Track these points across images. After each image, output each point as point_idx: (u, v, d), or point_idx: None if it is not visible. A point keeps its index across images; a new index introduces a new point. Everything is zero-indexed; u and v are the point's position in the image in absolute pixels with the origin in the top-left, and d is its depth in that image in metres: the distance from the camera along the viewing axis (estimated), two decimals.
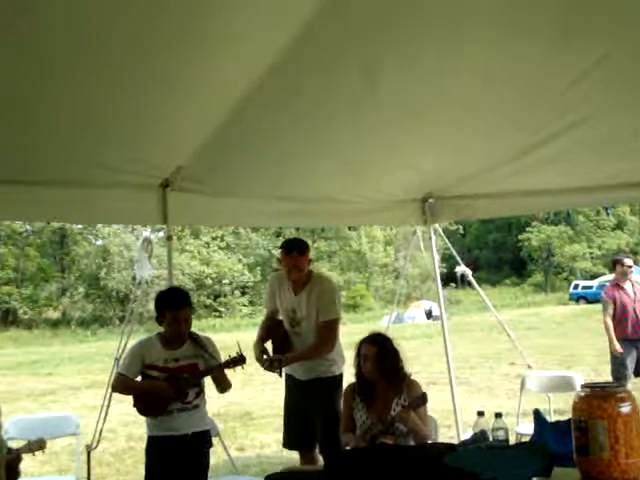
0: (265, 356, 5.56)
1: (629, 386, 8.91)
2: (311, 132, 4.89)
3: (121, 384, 4.99)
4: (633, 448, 3.51)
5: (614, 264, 10.04)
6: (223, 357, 5.02)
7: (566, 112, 4.59)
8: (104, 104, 4.08)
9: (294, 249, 5.61)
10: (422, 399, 4.72)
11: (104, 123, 4.38)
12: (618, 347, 9.22)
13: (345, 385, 5.37)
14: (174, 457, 4.88)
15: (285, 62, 3.74)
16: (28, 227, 40.84)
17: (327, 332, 5.55)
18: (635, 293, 9.55)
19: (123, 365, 5.04)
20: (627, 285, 9.59)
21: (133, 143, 4.74)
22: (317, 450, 5.69)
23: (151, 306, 5.03)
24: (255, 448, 9.35)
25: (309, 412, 5.65)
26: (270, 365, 5.54)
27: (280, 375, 5.70)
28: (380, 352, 4.91)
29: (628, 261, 9.80)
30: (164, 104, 4.21)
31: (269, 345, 5.77)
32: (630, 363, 9.29)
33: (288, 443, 5.91)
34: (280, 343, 5.71)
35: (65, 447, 8.65)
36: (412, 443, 4.69)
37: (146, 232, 6.22)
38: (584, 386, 3.81)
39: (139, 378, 4.98)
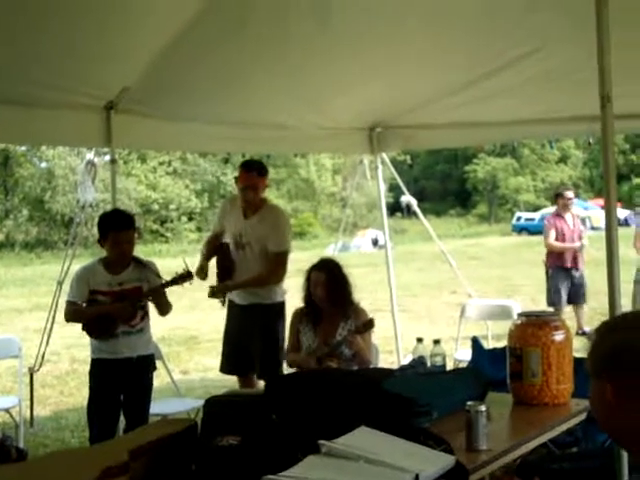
0: (209, 285, 5.62)
1: (564, 314, 9.28)
2: (258, 56, 4.82)
3: (74, 313, 4.87)
4: (564, 374, 3.66)
5: (556, 197, 10.32)
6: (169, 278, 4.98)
7: (518, 43, 4.60)
8: (50, 21, 3.98)
9: (254, 169, 5.58)
10: (370, 324, 4.84)
11: (50, 42, 4.27)
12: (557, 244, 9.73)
13: (287, 312, 5.45)
14: (118, 380, 4.90)
15: None
16: None
17: (277, 263, 5.55)
18: (575, 224, 9.90)
19: (71, 293, 4.91)
20: (568, 216, 9.95)
21: (77, 63, 4.63)
22: (255, 375, 5.72)
23: (96, 230, 4.95)
24: (199, 372, 9.43)
25: (248, 337, 5.65)
26: (213, 293, 5.62)
27: (223, 304, 5.76)
28: (329, 279, 4.97)
29: (569, 193, 10.17)
30: (111, 23, 4.12)
31: (213, 264, 5.79)
32: (564, 291, 9.67)
33: (225, 368, 5.91)
34: (226, 263, 5.70)
35: (9, 369, 8.62)
36: (355, 368, 4.79)
37: (90, 155, 6.14)
38: (520, 314, 3.94)
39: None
